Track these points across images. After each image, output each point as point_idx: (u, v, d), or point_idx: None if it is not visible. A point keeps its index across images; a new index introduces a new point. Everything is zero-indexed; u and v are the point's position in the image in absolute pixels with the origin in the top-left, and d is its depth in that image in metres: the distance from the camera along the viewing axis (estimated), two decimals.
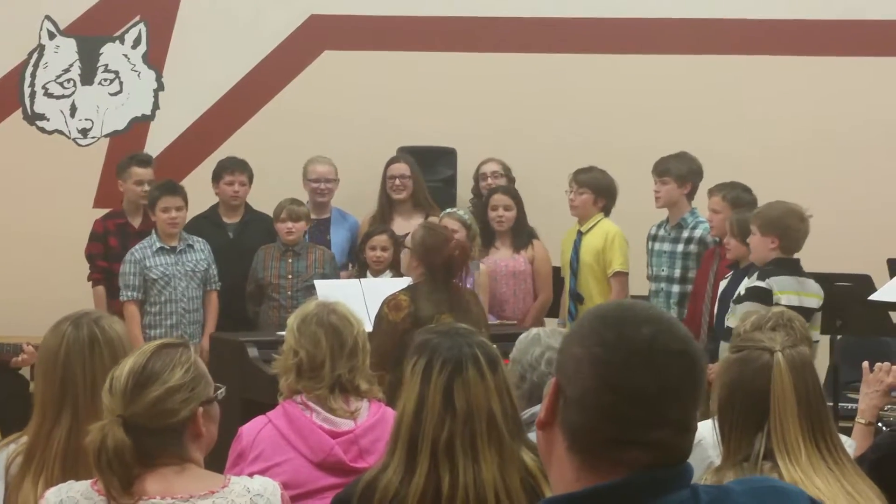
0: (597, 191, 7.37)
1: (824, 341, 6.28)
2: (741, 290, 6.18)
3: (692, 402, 1.74)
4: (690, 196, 7.22)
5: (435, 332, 3.15)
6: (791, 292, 5.95)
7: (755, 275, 6.10)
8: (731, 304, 6.24)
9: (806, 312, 5.69)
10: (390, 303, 5.63)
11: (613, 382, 1.70)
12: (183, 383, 2.76)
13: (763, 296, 5.91)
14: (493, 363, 3.08)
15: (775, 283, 5.95)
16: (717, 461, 3.14)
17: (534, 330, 4.08)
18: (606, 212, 7.44)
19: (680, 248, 7.13)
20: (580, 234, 7.40)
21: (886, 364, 4.11)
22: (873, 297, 5.90)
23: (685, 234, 7.14)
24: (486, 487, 2.95)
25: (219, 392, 2.86)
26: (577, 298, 7.31)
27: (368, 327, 4.09)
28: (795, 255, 6.13)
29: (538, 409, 3.59)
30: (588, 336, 1.74)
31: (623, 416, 1.70)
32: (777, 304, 5.65)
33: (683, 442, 1.74)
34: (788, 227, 6.04)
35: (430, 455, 2.93)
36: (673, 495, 1.69)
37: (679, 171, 7.14)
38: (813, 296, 6.05)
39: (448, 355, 3.03)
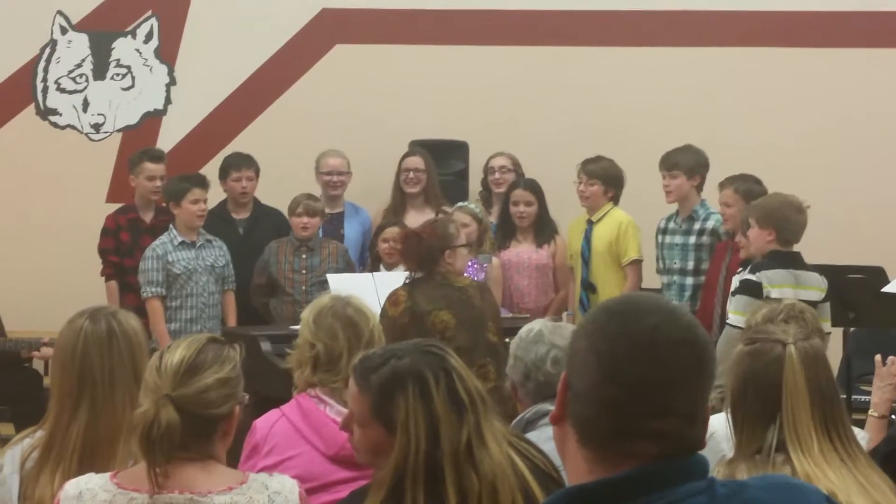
0: (606, 181, 7.36)
1: (836, 333, 6.25)
2: (735, 282, 6.09)
3: (699, 391, 1.75)
4: (699, 188, 7.21)
5: (387, 361, 2.82)
6: (786, 286, 5.83)
7: (748, 267, 6.00)
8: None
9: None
10: (390, 298, 5.62)
11: (617, 375, 1.72)
12: (230, 378, 2.80)
13: (753, 289, 5.81)
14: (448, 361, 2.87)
15: (765, 276, 5.84)
16: (730, 454, 3.14)
17: (536, 326, 3.87)
18: (615, 201, 7.44)
19: (692, 239, 7.12)
20: (591, 223, 7.40)
21: None
22: (886, 289, 5.90)
23: (697, 225, 7.12)
24: (503, 469, 2.83)
25: (245, 397, 2.88)
26: (589, 288, 7.32)
27: None
28: (795, 248, 6.01)
29: (543, 407, 3.61)
30: (593, 330, 1.76)
31: (628, 407, 1.71)
32: (767, 297, 5.61)
33: (692, 432, 1.74)
34: (786, 218, 5.92)
35: (453, 467, 2.78)
36: (686, 486, 1.70)
37: (688, 164, 7.12)
38: (812, 288, 5.91)
39: (430, 366, 2.79)
